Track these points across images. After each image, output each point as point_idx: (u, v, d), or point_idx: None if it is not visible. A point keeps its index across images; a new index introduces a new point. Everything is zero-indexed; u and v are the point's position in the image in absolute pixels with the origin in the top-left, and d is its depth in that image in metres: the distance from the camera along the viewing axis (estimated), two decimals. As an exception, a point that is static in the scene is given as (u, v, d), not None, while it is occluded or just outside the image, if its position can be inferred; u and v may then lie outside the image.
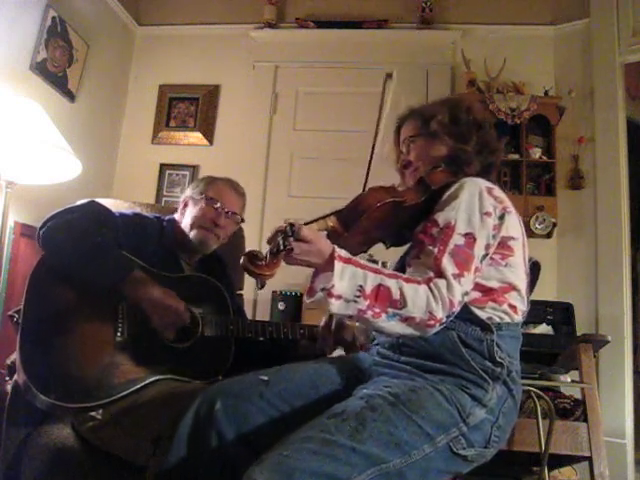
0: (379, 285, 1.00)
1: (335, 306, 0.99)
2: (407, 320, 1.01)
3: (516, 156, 3.05)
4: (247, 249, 2.23)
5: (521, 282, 1.16)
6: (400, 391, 1.04)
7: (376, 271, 1.02)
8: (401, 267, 1.24)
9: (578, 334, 2.57)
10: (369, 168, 1.25)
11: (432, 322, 1.02)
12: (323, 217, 1.12)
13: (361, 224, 1.13)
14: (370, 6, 3.49)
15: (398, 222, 1.21)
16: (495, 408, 1.08)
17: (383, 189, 1.17)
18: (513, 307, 1.14)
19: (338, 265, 0.99)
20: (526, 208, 2.94)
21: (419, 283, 1.02)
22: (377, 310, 1.00)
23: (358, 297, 0.99)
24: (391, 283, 1.01)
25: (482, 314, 1.11)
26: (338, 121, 3.34)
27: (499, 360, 1.10)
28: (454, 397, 1.05)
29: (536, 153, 3.03)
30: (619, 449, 2.61)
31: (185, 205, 1.73)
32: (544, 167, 3.05)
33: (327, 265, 1.01)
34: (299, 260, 1.01)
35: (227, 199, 1.70)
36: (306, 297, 1.05)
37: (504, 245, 1.14)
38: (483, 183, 1.16)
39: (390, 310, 1.00)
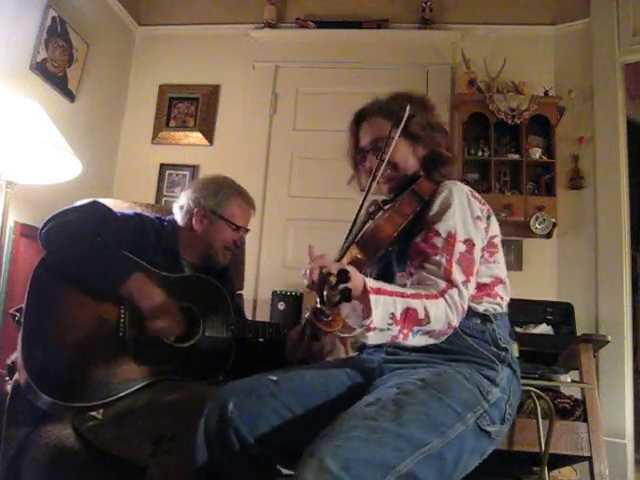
0: (407, 309, 1.03)
1: (371, 338, 1.01)
2: (428, 333, 1.07)
3: (516, 156, 3.05)
4: (247, 253, 2.22)
5: (505, 275, 1.25)
6: (426, 376, 1.08)
7: (402, 295, 1.04)
8: (384, 269, 1.28)
9: (578, 334, 2.57)
10: (377, 172, 1.22)
11: (448, 330, 1.09)
12: (346, 249, 1.12)
13: (381, 252, 1.18)
14: (370, 6, 3.50)
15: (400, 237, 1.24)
16: (506, 387, 1.14)
17: (394, 213, 1.19)
18: (501, 298, 1.22)
19: (372, 298, 0.99)
20: (526, 208, 2.94)
21: (437, 297, 1.07)
22: (405, 332, 1.03)
23: (391, 325, 1.01)
24: (416, 304, 1.04)
25: (479, 307, 1.18)
26: (338, 121, 3.29)
27: (503, 345, 1.17)
28: (473, 378, 1.10)
29: (536, 153, 3.03)
30: (619, 449, 2.61)
31: (202, 216, 1.67)
32: (544, 167, 3.05)
33: (359, 297, 1.01)
34: None
35: (248, 219, 1.75)
36: (339, 331, 1.03)
37: (491, 243, 1.22)
38: (465, 187, 1.22)
39: (416, 328, 1.04)
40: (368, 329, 0.99)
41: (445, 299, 1.07)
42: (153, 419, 1.34)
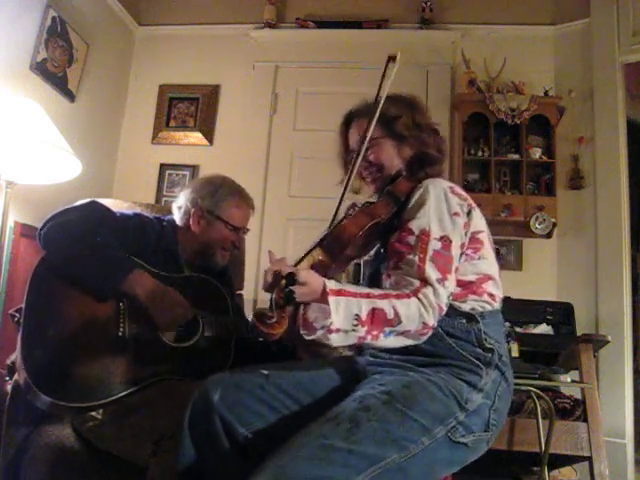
0: (373, 309, 1.01)
1: (335, 340, 1.00)
2: (403, 334, 1.04)
3: (516, 156, 3.05)
4: (247, 253, 2.22)
5: (495, 271, 1.21)
6: (393, 388, 1.05)
7: (367, 295, 1.03)
8: (374, 272, 1.28)
9: (578, 334, 2.57)
10: (351, 174, 1.24)
11: (425, 330, 1.06)
12: (309, 252, 1.11)
13: (346, 253, 1.15)
14: (370, 6, 3.50)
15: (375, 239, 1.24)
16: (491, 392, 1.11)
17: (362, 213, 1.18)
18: (491, 295, 1.19)
19: (332, 300, 0.99)
20: (526, 208, 2.94)
21: (409, 297, 1.04)
22: (375, 332, 1.02)
23: (356, 326, 1.00)
24: (384, 304, 1.02)
25: (464, 306, 1.15)
26: (338, 121, 3.30)
27: (489, 346, 1.13)
28: (449, 386, 1.07)
29: (536, 153, 3.03)
30: (619, 449, 2.61)
31: (200, 217, 1.68)
32: (544, 167, 3.05)
33: (320, 300, 1.01)
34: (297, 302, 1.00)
35: (247, 220, 1.74)
36: (304, 333, 1.04)
37: (474, 239, 1.18)
38: (445, 183, 1.20)
39: (387, 329, 1.02)
40: (329, 330, 0.98)
41: (418, 298, 1.04)
42: (153, 419, 1.34)
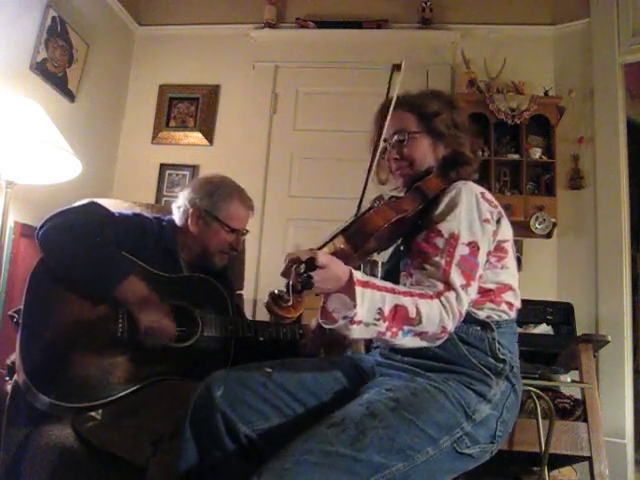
0: (396, 305, 0.99)
1: (356, 331, 0.98)
2: (421, 334, 1.02)
3: (516, 156, 3.05)
4: (247, 253, 2.21)
5: (515, 280, 1.19)
6: (401, 395, 1.04)
7: (392, 291, 1.01)
8: (391, 269, 1.27)
9: (578, 334, 2.57)
10: (372, 163, 1.22)
11: (443, 334, 1.04)
12: (331, 239, 1.09)
13: (370, 245, 1.13)
14: (370, 6, 3.50)
15: (399, 234, 1.22)
16: (499, 403, 1.10)
17: (387, 206, 1.16)
18: (509, 304, 1.18)
19: (358, 290, 0.96)
20: (526, 208, 2.94)
21: (431, 298, 1.02)
22: (395, 330, 1.00)
23: (378, 320, 0.97)
24: (406, 302, 1.00)
25: (481, 314, 1.14)
26: (338, 121, 3.34)
27: (501, 357, 1.12)
28: (458, 395, 1.06)
29: (536, 153, 3.03)
30: (619, 449, 2.61)
31: (198, 217, 1.67)
32: (544, 167, 3.05)
33: (343, 288, 0.98)
34: (317, 289, 0.97)
35: (245, 222, 1.73)
36: (323, 322, 1.01)
37: (500, 248, 1.17)
38: (476, 188, 1.18)
39: (406, 327, 1.00)
40: (352, 322, 0.95)
41: (441, 301, 1.02)
42: (153, 419, 1.34)
